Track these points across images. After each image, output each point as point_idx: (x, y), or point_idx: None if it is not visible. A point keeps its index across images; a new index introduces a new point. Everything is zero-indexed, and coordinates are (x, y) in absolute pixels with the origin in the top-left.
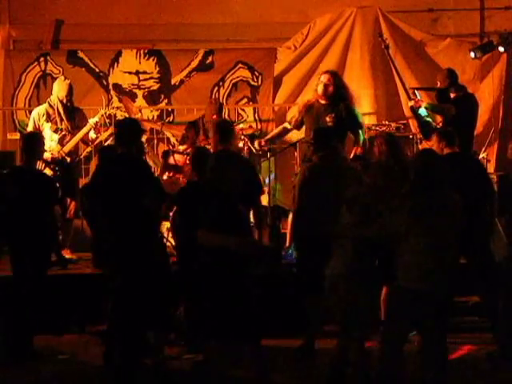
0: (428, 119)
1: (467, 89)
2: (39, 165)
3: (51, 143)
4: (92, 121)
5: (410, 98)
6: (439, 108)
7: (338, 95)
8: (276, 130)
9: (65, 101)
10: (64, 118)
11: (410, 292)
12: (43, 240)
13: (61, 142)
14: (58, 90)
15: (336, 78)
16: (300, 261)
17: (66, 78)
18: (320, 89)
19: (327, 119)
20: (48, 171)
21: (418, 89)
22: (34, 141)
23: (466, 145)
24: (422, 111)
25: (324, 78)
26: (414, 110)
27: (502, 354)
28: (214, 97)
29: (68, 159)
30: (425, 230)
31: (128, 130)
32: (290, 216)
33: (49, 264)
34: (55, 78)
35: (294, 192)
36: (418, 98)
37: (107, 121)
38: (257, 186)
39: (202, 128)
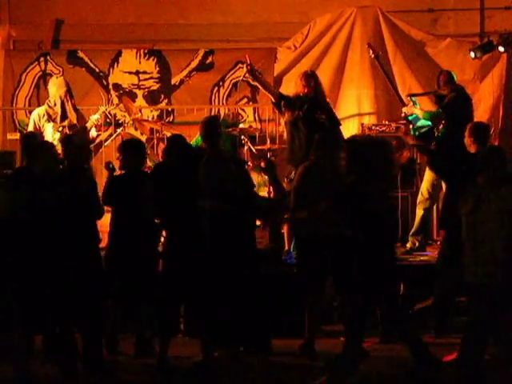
0: (422, 130)
1: (463, 89)
2: None
3: (53, 142)
4: (94, 118)
5: (403, 104)
6: (434, 114)
7: (320, 95)
8: (267, 83)
9: (68, 96)
10: (72, 109)
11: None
12: None
13: None
14: (57, 88)
15: (316, 79)
16: (300, 261)
17: (58, 77)
18: (304, 91)
19: (319, 117)
20: None
21: (413, 95)
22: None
23: (461, 145)
24: (413, 118)
25: (305, 81)
26: (406, 116)
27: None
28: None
29: None
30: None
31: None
32: None
33: None
34: None
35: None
36: (416, 104)
37: (107, 120)
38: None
39: None
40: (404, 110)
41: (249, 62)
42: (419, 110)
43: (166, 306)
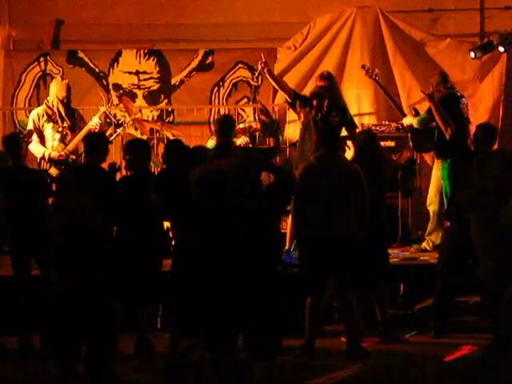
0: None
1: (453, 89)
2: (43, 164)
3: (53, 142)
4: (94, 121)
5: (403, 115)
6: (421, 120)
7: (336, 96)
8: (283, 82)
9: (65, 101)
10: (66, 117)
11: None
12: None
13: (63, 140)
14: (58, 90)
15: (332, 80)
16: (302, 261)
17: (63, 79)
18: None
19: (334, 118)
20: (54, 170)
21: (414, 104)
22: (14, 141)
23: (455, 144)
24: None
25: (321, 82)
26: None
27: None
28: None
29: (73, 157)
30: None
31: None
32: (290, 217)
33: None
34: None
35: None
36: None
37: (108, 120)
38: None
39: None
40: (403, 121)
41: (264, 59)
42: (415, 119)
43: (177, 308)
